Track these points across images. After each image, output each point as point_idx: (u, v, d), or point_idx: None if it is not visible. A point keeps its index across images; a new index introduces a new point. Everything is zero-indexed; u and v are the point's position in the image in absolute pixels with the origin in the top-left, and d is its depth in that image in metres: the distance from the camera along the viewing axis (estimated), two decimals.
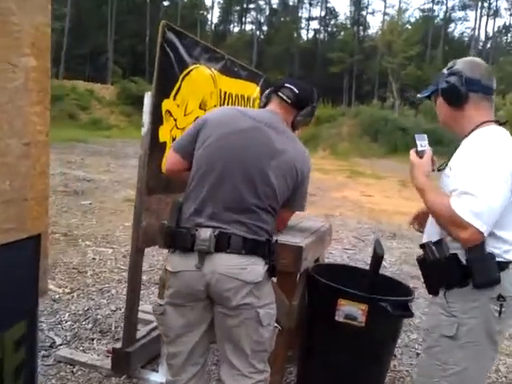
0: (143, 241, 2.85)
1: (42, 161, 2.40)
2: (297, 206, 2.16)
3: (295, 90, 2.13)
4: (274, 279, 2.26)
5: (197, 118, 2.64)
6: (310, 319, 2.88)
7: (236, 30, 64.82)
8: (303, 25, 63.43)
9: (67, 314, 3.87)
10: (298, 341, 2.96)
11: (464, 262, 1.78)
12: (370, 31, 59.49)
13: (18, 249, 1.84)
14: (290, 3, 63.06)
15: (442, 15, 57.08)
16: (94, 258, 5.46)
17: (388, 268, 5.86)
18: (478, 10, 53.50)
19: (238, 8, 64.42)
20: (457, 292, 1.81)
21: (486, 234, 1.69)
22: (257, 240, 1.95)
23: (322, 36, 61.39)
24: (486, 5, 55.07)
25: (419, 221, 2.27)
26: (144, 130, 2.79)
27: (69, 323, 3.71)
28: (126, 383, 2.93)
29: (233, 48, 43.55)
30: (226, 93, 3.44)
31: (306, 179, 2.10)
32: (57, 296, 4.23)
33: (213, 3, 63.29)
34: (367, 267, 2.98)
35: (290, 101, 2.12)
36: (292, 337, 2.82)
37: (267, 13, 63.60)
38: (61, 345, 3.34)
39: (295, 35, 57.47)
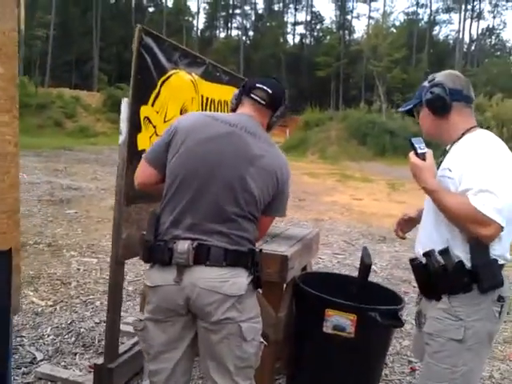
0: (123, 253, 2.75)
1: (11, 173, 2.28)
2: (277, 212, 2.05)
3: (268, 90, 2.02)
4: (260, 290, 2.18)
5: None
6: (297, 330, 2.81)
7: (222, 35, 65.10)
8: (289, 29, 64.02)
9: (49, 328, 3.76)
10: (286, 352, 2.89)
11: (469, 267, 1.81)
12: (356, 35, 60.28)
13: None
14: (276, 8, 63.41)
15: (426, 18, 57.83)
16: (78, 269, 5.35)
17: (379, 273, 5.82)
18: (462, 13, 54.15)
19: (223, 13, 64.67)
20: (461, 296, 1.84)
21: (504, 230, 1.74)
22: (239, 251, 1.87)
23: (308, 41, 61.83)
24: (469, 7, 55.75)
25: (401, 227, 2.31)
26: (122, 138, 2.69)
27: (51, 337, 3.60)
28: None
29: (219, 54, 43.74)
30: (207, 98, 3.36)
31: (286, 184, 2.01)
32: (39, 309, 4.12)
33: (198, 9, 63.56)
34: (357, 272, 2.91)
35: (264, 102, 2.02)
36: (280, 348, 2.76)
37: (253, 18, 63.98)
38: (42, 360, 3.23)
39: (281, 40, 57.79)
